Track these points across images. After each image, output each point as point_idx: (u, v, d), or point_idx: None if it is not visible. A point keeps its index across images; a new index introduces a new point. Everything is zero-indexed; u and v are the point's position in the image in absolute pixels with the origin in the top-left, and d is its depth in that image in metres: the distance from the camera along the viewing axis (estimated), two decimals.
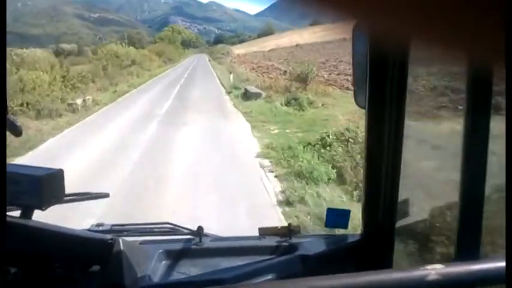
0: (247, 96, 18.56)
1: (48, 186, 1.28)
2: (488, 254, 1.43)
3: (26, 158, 9.15)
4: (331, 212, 1.68)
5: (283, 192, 6.91)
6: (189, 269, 1.51)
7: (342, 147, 8.51)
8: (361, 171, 5.48)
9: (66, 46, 65.50)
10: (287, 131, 12.30)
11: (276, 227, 1.71)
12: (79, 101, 16.91)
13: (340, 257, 1.58)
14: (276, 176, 7.75)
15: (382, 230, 1.50)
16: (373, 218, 1.51)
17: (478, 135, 1.20)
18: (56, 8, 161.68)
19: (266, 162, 8.69)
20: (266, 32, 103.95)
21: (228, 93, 21.47)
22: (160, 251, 1.56)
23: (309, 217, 5.80)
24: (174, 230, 1.71)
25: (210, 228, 1.83)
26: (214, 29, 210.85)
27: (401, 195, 1.46)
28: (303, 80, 19.54)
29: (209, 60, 62.50)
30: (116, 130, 12.45)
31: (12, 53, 23.15)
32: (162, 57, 58.13)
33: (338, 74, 25.36)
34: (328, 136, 9.19)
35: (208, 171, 7.98)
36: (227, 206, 6.10)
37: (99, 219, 1.82)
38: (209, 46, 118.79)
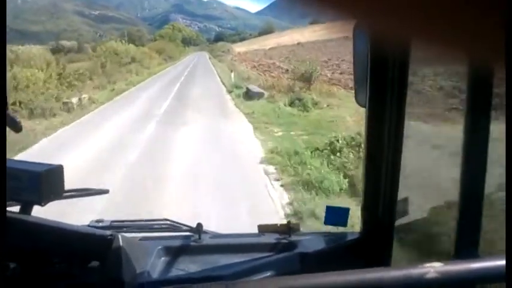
0: (249, 95, 17.91)
1: (47, 182, 1.27)
2: (487, 253, 1.39)
3: (17, 159, 8.48)
4: (330, 210, 1.68)
5: (290, 204, 6.30)
6: (188, 266, 1.50)
7: (353, 153, 7.90)
8: None
9: (66, 43, 65.37)
10: (292, 133, 11.68)
11: (276, 225, 1.70)
12: (74, 100, 16.30)
13: (339, 254, 1.58)
14: (282, 185, 7.13)
15: (381, 228, 1.49)
16: (373, 216, 1.51)
17: (478, 135, 1.20)
18: (56, 5, 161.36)
19: (271, 168, 8.07)
20: (267, 30, 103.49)
21: (229, 92, 20.81)
22: (160, 247, 1.56)
23: None
24: (174, 226, 1.69)
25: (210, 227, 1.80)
26: (215, 26, 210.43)
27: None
28: (306, 79, 18.90)
29: (209, 58, 61.95)
30: (112, 130, 11.83)
31: (7, 49, 22.45)
32: (162, 55, 57.62)
33: (341, 73, 24.79)
34: (338, 141, 8.58)
35: (209, 175, 7.38)
36: (230, 216, 5.48)
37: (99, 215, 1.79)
38: (209, 44, 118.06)
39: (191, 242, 1.63)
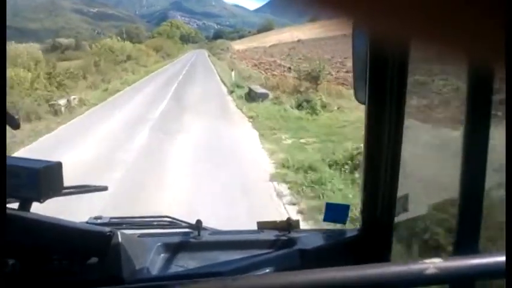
0: (252, 96, 16.54)
1: (46, 179, 1.26)
2: (487, 249, 1.40)
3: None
4: (329, 206, 1.68)
5: None
6: (187, 262, 1.50)
7: None
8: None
9: (63, 40, 65.19)
10: (302, 140, 10.40)
11: (275, 221, 1.67)
12: (62, 102, 14.95)
13: (339, 251, 1.57)
14: (300, 212, 5.80)
15: (380, 225, 1.49)
16: (372, 212, 1.50)
17: (478, 133, 1.20)
18: (55, 3, 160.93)
19: (283, 188, 6.76)
20: (266, 28, 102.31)
21: (230, 92, 19.41)
22: (159, 244, 1.55)
23: None
24: (173, 223, 1.69)
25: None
26: (214, 24, 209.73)
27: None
28: (313, 79, 17.58)
29: (208, 56, 60.83)
30: (100, 138, 10.53)
31: None
32: (160, 53, 56.64)
33: (347, 72, 23.56)
34: (360, 153, 7.28)
35: (210, 199, 6.08)
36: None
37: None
38: (208, 41, 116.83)
39: (190, 238, 1.60)
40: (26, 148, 9.71)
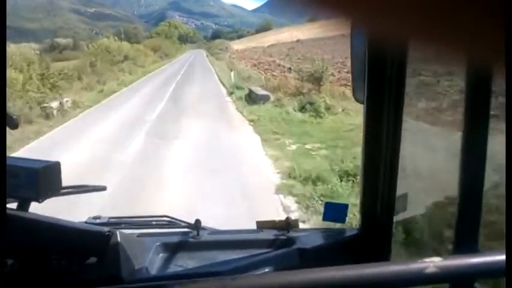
0: (252, 99, 15.88)
1: (45, 179, 1.26)
2: (487, 248, 1.41)
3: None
4: (329, 206, 1.68)
5: None
6: (186, 262, 1.49)
7: None
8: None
9: (61, 41, 64.96)
10: (307, 146, 9.79)
11: (274, 221, 1.67)
12: (54, 104, 14.29)
13: (338, 250, 1.57)
14: None
15: (380, 224, 1.49)
16: (371, 212, 1.50)
17: (477, 133, 1.21)
18: (53, 3, 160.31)
19: (291, 202, 6.13)
20: (264, 28, 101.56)
21: (230, 93, 18.75)
22: (158, 243, 1.55)
23: None
24: (172, 223, 1.69)
25: None
26: (212, 24, 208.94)
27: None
28: (316, 80, 16.96)
29: (207, 56, 60.20)
30: (93, 143, 9.89)
31: None
32: (158, 53, 56.01)
33: (348, 72, 22.95)
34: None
35: (210, 214, 5.43)
36: None
37: None
38: (206, 41, 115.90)
39: (189, 238, 1.60)
40: (15, 154, 9.08)
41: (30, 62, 18.99)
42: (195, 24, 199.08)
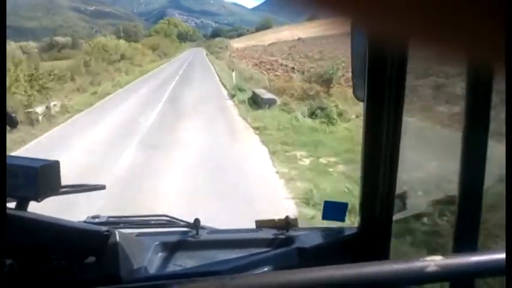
0: (257, 103, 14.55)
1: (44, 178, 1.27)
2: (487, 247, 1.42)
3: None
4: (328, 205, 1.68)
5: None
6: (185, 261, 1.49)
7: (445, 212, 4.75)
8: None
9: (60, 39, 64.51)
10: (322, 160, 8.55)
11: (273, 220, 1.67)
12: (40, 109, 13.01)
13: (337, 249, 1.58)
14: None
15: (379, 223, 1.50)
16: (371, 210, 1.50)
17: (477, 132, 1.22)
18: (52, 1, 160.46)
19: None
20: (264, 26, 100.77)
21: (232, 96, 17.44)
22: (157, 243, 1.54)
23: None
24: (171, 222, 1.70)
25: None
26: (212, 22, 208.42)
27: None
28: (325, 82, 15.68)
29: (207, 55, 59.03)
30: (78, 156, 8.60)
31: None
32: (157, 51, 54.83)
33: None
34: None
35: None
36: None
37: None
38: (206, 40, 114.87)
39: (188, 237, 1.60)
40: None
41: (17, 63, 17.67)
42: (195, 23, 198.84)
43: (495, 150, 1.17)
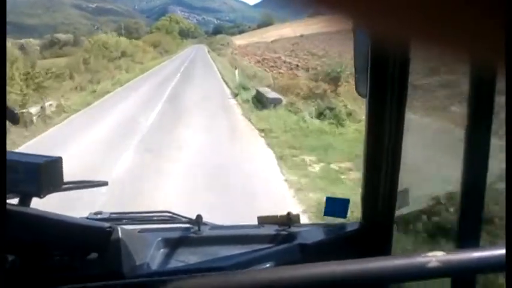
0: (261, 102, 13.91)
1: (46, 174, 1.26)
2: (489, 243, 1.41)
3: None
4: (330, 201, 1.68)
5: None
6: (187, 257, 1.49)
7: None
8: None
9: (61, 36, 64.18)
10: (333, 166, 7.95)
11: (275, 216, 1.66)
12: (34, 110, 12.39)
13: (339, 245, 1.57)
14: None
15: (381, 219, 1.49)
16: (373, 207, 1.50)
17: (479, 130, 1.23)
18: None
19: None
20: (266, 23, 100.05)
21: (235, 95, 16.80)
22: (159, 239, 1.54)
23: None
24: (173, 218, 1.68)
25: None
26: (213, 19, 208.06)
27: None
28: (332, 80, 15.05)
29: (208, 52, 58.35)
30: (74, 161, 8.02)
31: None
32: (158, 48, 54.19)
33: None
34: (440, 202, 4.82)
35: None
36: None
37: None
38: (208, 36, 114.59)
39: (191, 233, 1.59)
40: None
41: (13, 61, 17.06)
42: (197, 19, 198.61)
43: (496, 147, 1.16)
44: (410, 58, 1.32)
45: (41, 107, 12.83)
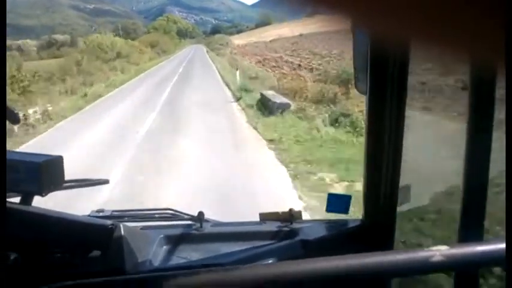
0: (267, 107, 12.59)
1: (47, 172, 1.26)
2: (492, 237, 1.40)
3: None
4: (332, 197, 1.67)
5: None
6: (189, 254, 1.49)
7: None
8: None
9: (59, 37, 63.51)
10: (358, 187, 6.69)
11: (277, 212, 1.66)
12: None
13: (341, 241, 1.56)
14: None
15: (383, 215, 1.50)
16: (375, 202, 1.50)
17: (481, 128, 1.22)
18: None
19: None
20: (264, 22, 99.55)
21: (237, 99, 15.51)
22: (161, 236, 1.54)
23: None
24: (175, 215, 1.70)
25: None
26: (211, 19, 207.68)
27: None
28: (343, 82, 13.83)
29: (207, 52, 57.52)
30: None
31: None
32: (155, 49, 53.26)
33: None
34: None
35: None
36: None
37: None
38: (206, 36, 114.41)
39: (193, 230, 1.60)
40: None
41: None
42: (194, 19, 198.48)
43: (497, 143, 1.16)
44: (409, 58, 1.33)
45: (24, 115, 11.58)
